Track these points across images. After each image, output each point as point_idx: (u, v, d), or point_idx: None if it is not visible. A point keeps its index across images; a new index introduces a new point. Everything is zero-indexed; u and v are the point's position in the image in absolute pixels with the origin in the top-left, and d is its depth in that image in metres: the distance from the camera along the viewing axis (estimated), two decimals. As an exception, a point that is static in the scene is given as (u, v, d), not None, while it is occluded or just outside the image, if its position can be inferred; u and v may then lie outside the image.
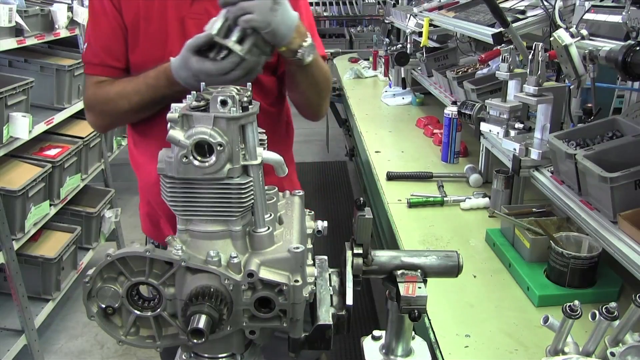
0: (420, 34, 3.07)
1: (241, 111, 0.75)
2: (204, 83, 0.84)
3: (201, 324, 0.72)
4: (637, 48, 1.18)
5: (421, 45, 3.06)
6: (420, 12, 3.20)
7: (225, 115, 0.74)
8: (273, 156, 0.83)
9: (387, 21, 4.46)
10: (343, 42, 7.72)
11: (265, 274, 0.78)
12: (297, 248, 0.79)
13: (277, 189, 0.92)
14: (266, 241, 0.81)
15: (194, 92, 0.81)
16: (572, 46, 1.40)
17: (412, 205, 1.95)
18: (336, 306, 0.86)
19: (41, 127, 2.62)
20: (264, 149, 0.84)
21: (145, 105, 1.30)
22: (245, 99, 0.77)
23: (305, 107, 1.48)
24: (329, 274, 0.92)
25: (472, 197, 1.94)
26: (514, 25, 1.89)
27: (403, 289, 0.88)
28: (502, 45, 1.90)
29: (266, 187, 0.86)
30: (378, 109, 3.38)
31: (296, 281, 0.78)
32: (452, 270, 0.93)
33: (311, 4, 7.54)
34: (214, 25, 1.05)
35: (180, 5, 1.31)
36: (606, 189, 1.24)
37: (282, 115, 1.53)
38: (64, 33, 2.94)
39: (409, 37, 3.46)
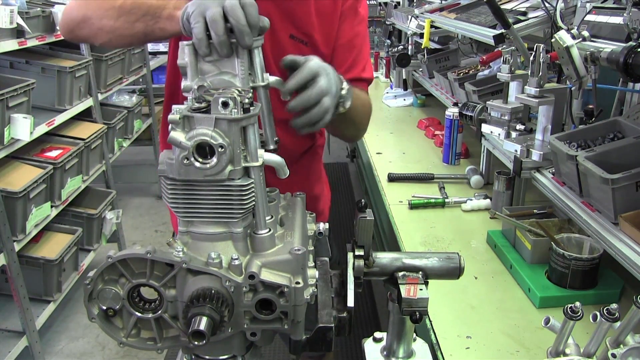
0: (421, 36, 3.08)
1: (242, 113, 0.75)
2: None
3: (202, 326, 0.71)
4: (639, 49, 1.18)
5: (422, 47, 3.07)
6: (422, 13, 3.21)
7: (227, 117, 0.74)
8: (274, 158, 0.83)
9: (388, 23, 4.46)
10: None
11: (267, 275, 0.77)
12: (299, 250, 0.79)
13: (277, 190, 0.92)
14: (267, 243, 0.81)
15: (196, 94, 0.81)
16: (573, 47, 1.40)
17: (413, 206, 1.95)
18: (337, 308, 0.86)
19: (42, 129, 2.61)
20: (265, 150, 0.84)
21: (126, 28, 1.10)
22: (246, 100, 0.77)
23: (342, 138, 1.46)
24: (331, 276, 0.92)
25: (474, 198, 1.94)
26: (515, 26, 1.89)
27: (404, 290, 0.88)
28: (504, 46, 1.90)
29: (267, 189, 0.86)
30: (379, 111, 3.38)
31: (297, 283, 0.78)
32: (453, 272, 0.93)
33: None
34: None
35: None
36: (607, 190, 1.24)
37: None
38: (65, 35, 2.93)
39: (410, 38, 3.47)
